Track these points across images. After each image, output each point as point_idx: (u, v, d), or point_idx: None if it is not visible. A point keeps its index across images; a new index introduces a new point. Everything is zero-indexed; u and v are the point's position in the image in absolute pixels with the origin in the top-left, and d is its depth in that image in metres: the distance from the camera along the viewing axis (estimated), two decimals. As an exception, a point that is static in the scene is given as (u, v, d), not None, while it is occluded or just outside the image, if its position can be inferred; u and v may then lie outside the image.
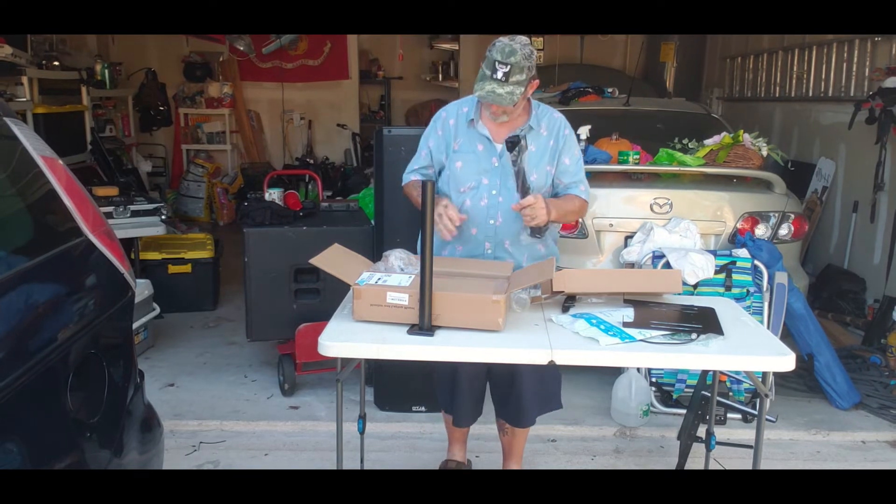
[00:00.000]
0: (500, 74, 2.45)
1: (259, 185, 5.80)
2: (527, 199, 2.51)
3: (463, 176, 2.67)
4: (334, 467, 2.44)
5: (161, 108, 8.50)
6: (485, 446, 3.42)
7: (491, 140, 2.66)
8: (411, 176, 2.79)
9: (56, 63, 6.18)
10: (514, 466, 3.00)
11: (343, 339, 2.15)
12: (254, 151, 9.12)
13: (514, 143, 2.50)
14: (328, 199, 6.01)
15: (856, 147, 5.30)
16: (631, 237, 3.92)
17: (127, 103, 7.98)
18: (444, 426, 3.55)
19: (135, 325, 3.96)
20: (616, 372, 3.69)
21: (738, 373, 3.50)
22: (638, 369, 3.61)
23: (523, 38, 2.52)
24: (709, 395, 2.95)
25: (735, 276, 3.68)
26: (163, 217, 4.93)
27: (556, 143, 2.69)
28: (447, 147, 2.71)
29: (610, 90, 5.60)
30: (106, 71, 7.19)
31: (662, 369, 3.70)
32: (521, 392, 2.78)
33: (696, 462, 3.10)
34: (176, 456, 3.17)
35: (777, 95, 6.87)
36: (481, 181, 2.66)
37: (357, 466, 2.95)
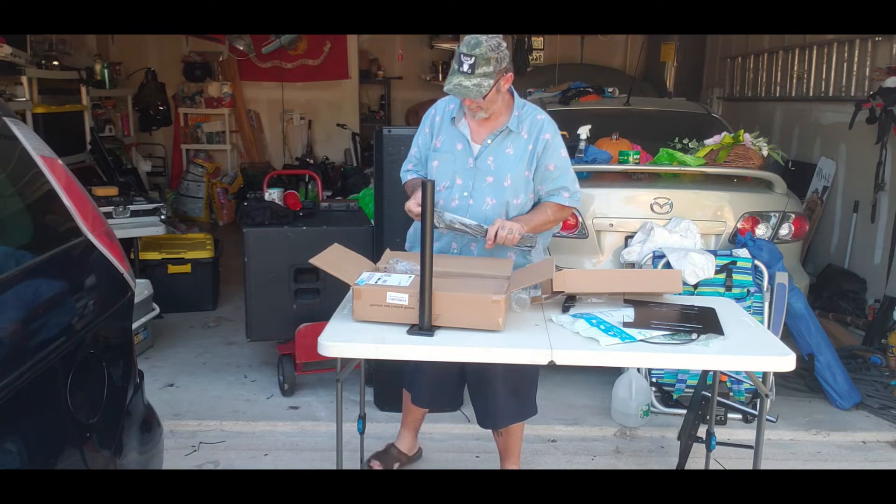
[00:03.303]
0: (465, 67, 2.45)
1: (259, 185, 5.79)
2: (490, 230, 2.49)
3: (438, 175, 2.66)
4: (334, 467, 2.43)
5: (161, 108, 8.50)
6: (485, 446, 3.42)
7: (469, 141, 2.64)
8: (408, 175, 2.81)
9: (55, 63, 6.18)
10: (512, 468, 2.99)
11: (343, 339, 2.15)
12: (254, 151, 9.12)
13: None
14: (328, 199, 6.01)
15: (856, 147, 5.29)
16: (631, 237, 3.92)
17: (126, 103, 7.98)
18: (443, 426, 3.56)
19: (134, 325, 3.96)
20: (616, 372, 3.68)
21: (738, 373, 3.50)
22: (638, 369, 3.61)
23: (495, 37, 2.52)
24: (709, 395, 2.95)
25: (735, 276, 3.68)
26: (162, 217, 4.93)
27: (534, 147, 2.63)
28: (428, 144, 2.72)
29: (610, 90, 5.60)
30: (105, 71, 7.19)
31: (663, 369, 3.70)
32: (491, 394, 2.75)
33: (696, 462, 3.10)
34: (176, 456, 3.17)
35: (777, 95, 6.87)
36: (455, 181, 2.64)
37: (357, 466, 2.95)
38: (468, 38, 2.48)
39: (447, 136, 2.68)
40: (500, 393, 2.72)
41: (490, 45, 2.46)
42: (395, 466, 3.09)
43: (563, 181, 2.67)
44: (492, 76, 2.46)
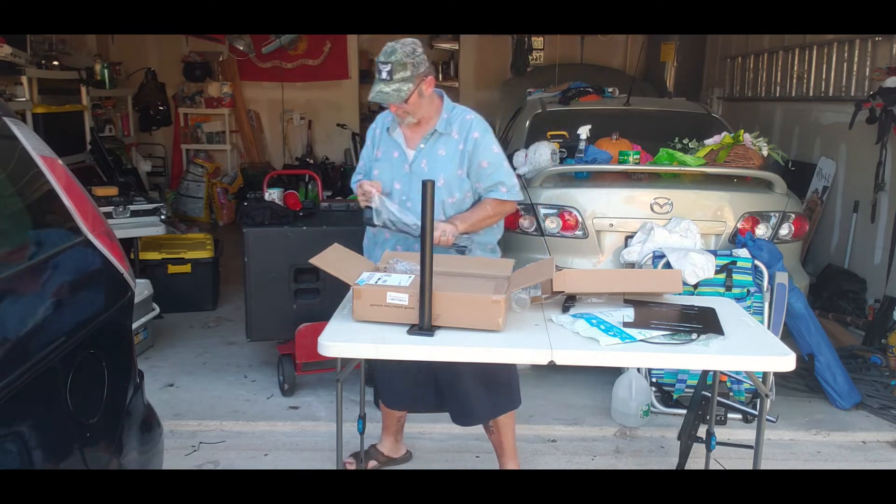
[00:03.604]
0: (384, 74, 2.57)
1: (259, 185, 5.79)
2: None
3: (381, 182, 2.76)
4: (334, 467, 2.43)
5: (160, 108, 8.51)
6: (485, 446, 3.41)
7: (404, 147, 2.76)
8: (355, 186, 2.89)
9: (55, 63, 6.18)
10: (510, 465, 2.99)
11: (343, 339, 2.15)
12: (254, 151, 9.12)
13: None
14: (328, 199, 6.00)
15: (856, 147, 5.29)
16: (631, 237, 3.91)
17: (126, 103, 7.98)
18: (443, 426, 3.55)
19: (134, 325, 3.96)
20: (616, 372, 3.68)
21: (738, 373, 3.50)
22: (638, 369, 3.61)
23: (408, 39, 2.62)
24: (709, 395, 2.95)
25: (735, 276, 3.68)
26: (162, 217, 4.93)
27: (465, 146, 2.71)
28: (371, 155, 2.86)
29: (610, 90, 5.60)
30: (105, 71, 7.20)
31: (663, 369, 3.70)
32: (461, 392, 2.75)
33: (696, 462, 3.10)
34: (176, 456, 3.17)
35: (777, 95, 6.87)
36: (394, 187, 2.74)
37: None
38: (385, 47, 2.61)
39: (385, 146, 2.81)
40: (470, 389, 2.73)
41: (405, 52, 2.58)
42: (370, 466, 3.09)
43: (499, 176, 2.73)
44: (410, 80, 2.58)
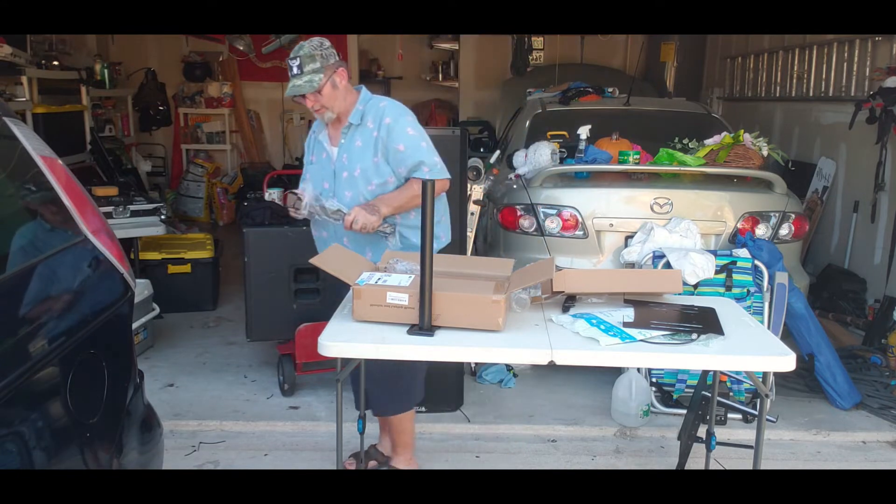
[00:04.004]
0: (294, 69, 2.65)
1: (259, 185, 5.79)
2: (346, 219, 2.65)
3: (314, 184, 2.82)
4: (334, 467, 2.43)
5: (160, 108, 8.51)
6: (485, 446, 3.42)
7: (327, 146, 2.83)
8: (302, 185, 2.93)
9: (55, 63, 6.18)
10: (400, 464, 3.02)
11: (343, 339, 2.15)
12: (254, 151, 9.12)
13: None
14: (328, 198, 5.99)
15: (856, 147, 5.29)
16: (631, 237, 3.91)
17: (126, 103, 7.98)
18: (443, 426, 3.56)
19: (134, 326, 3.96)
20: (616, 372, 3.68)
21: (738, 373, 3.50)
22: (638, 369, 3.60)
23: (315, 37, 2.71)
24: (709, 395, 2.95)
25: (735, 276, 3.67)
26: (162, 217, 4.93)
27: (379, 133, 2.73)
28: (310, 162, 2.92)
29: (610, 90, 5.60)
30: (105, 71, 7.20)
31: (663, 369, 3.69)
32: (367, 383, 2.84)
33: (696, 462, 3.10)
34: (176, 456, 3.17)
35: (777, 95, 6.87)
36: (323, 186, 2.80)
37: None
38: (295, 48, 2.70)
39: (316, 150, 2.89)
40: (371, 383, 2.83)
41: (312, 45, 2.67)
42: (370, 466, 3.09)
43: (418, 156, 2.72)
44: (321, 71, 2.64)
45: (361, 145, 2.75)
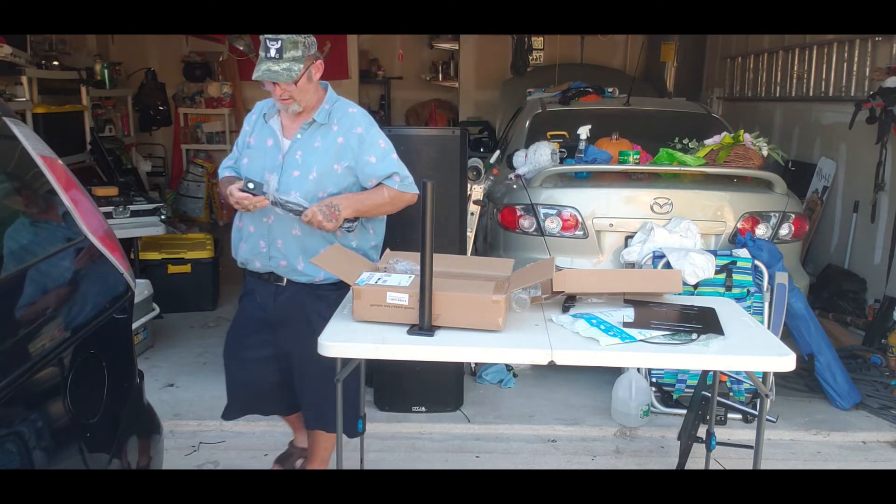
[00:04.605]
0: (273, 52, 2.41)
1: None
2: (303, 217, 2.45)
3: (248, 172, 2.59)
4: (334, 467, 2.43)
5: (160, 108, 8.50)
6: (485, 447, 3.42)
7: (280, 136, 2.60)
8: (224, 172, 2.74)
9: (55, 63, 6.17)
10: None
11: (343, 339, 2.15)
12: (254, 151, 9.10)
13: (245, 186, 2.47)
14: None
15: (856, 147, 5.29)
16: (631, 237, 3.91)
17: (126, 103, 7.97)
18: (443, 426, 3.55)
19: (134, 326, 3.96)
20: (616, 372, 3.68)
21: (738, 373, 3.50)
22: (638, 369, 3.61)
23: None
24: (709, 395, 2.95)
25: (735, 276, 3.68)
26: (162, 217, 4.93)
27: (346, 140, 2.56)
28: (246, 143, 2.69)
29: (610, 90, 5.60)
30: (105, 71, 7.19)
31: (663, 369, 3.70)
32: (301, 395, 2.76)
33: (696, 462, 3.10)
34: (176, 456, 3.17)
35: (777, 95, 6.87)
36: (264, 178, 2.52)
37: (357, 466, 2.95)
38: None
39: (260, 134, 2.65)
40: (325, 391, 2.61)
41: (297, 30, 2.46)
42: (298, 464, 3.06)
43: (390, 167, 2.58)
44: (301, 60, 2.44)
45: (321, 147, 2.56)
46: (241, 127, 2.76)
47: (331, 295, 2.57)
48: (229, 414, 2.90)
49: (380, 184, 2.59)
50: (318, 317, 2.47)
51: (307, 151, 2.57)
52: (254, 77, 2.46)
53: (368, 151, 2.57)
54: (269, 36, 2.43)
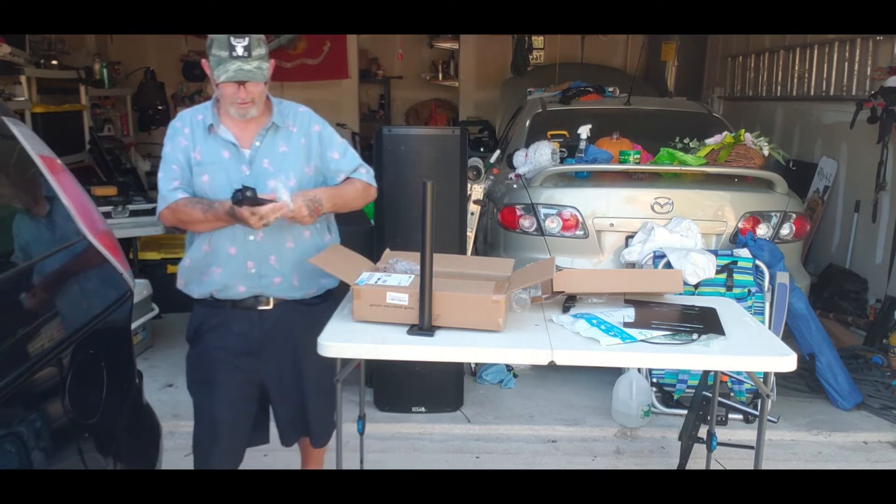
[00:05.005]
0: (240, 50, 2.21)
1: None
2: (274, 206, 2.16)
3: (212, 191, 2.32)
4: (334, 467, 2.43)
5: (160, 108, 8.50)
6: (485, 447, 3.42)
7: (237, 145, 2.34)
8: (177, 194, 2.33)
9: (54, 62, 6.18)
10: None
11: (343, 339, 2.15)
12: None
13: (242, 196, 2.13)
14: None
15: (857, 146, 5.29)
16: (632, 237, 3.91)
17: (125, 103, 7.98)
18: (443, 426, 3.55)
19: (133, 326, 3.96)
20: (617, 372, 3.68)
21: (739, 373, 3.49)
22: (639, 370, 3.60)
23: None
24: (710, 395, 2.95)
25: (736, 276, 3.67)
26: (162, 217, 4.92)
27: (308, 140, 2.41)
28: (189, 160, 2.36)
29: (611, 89, 5.60)
30: (104, 70, 7.19)
31: (663, 370, 3.69)
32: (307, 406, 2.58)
33: (697, 462, 3.10)
34: (175, 456, 3.15)
35: (778, 95, 6.86)
36: (267, 186, 2.29)
37: (357, 466, 2.94)
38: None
39: (207, 147, 2.35)
40: (318, 399, 2.57)
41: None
42: None
43: (355, 160, 2.49)
44: (266, 59, 2.30)
45: (288, 151, 2.38)
46: (167, 143, 2.40)
47: (317, 308, 2.44)
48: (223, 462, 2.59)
49: (348, 178, 2.47)
50: (307, 335, 2.27)
51: (275, 158, 2.36)
52: (224, 79, 2.22)
53: (330, 148, 2.46)
54: (234, 35, 2.23)
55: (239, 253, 2.35)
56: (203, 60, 2.32)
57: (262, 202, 2.14)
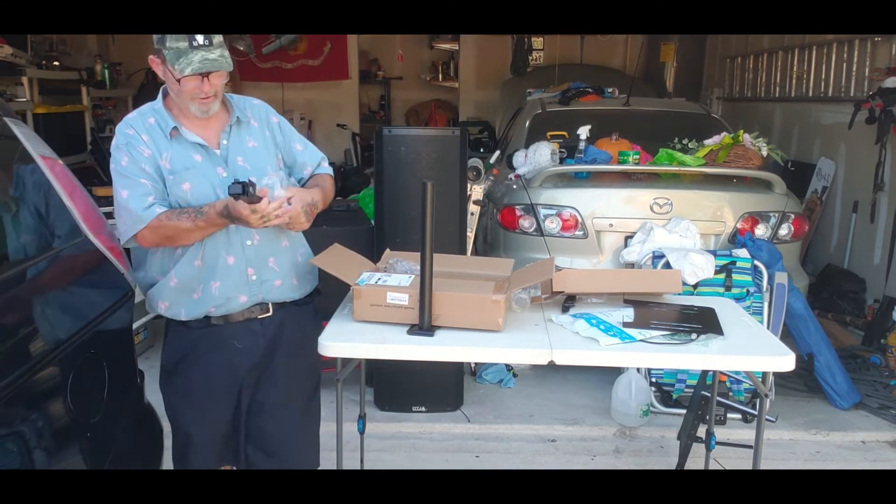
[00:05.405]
0: (200, 40, 2.02)
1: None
2: (279, 202, 1.99)
3: (195, 200, 2.09)
4: (334, 467, 2.43)
5: (161, 108, 8.49)
6: (485, 446, 3.42)
7: (206, 146, 2.13)
8: (155, 210, 2.03)
9: (56, 63, 6.18)
10: None
11: (343, 339, 2.15)
12: (253, 151, 9.11)
13: (242, 188, 1.90)
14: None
15: (856, 147, 5.30)
16: (631, 237, 3.92)
17: (127, 103, 7.96)
18: (443, 426, 3.55)
19: (135, 325, 3.95)
20: (616, 372, 3.68)
21: (737, 373, 3.50)
22: (638, 369, 3.61)
23: None
24: (709, 395, 2.95)
25: (735, 277, 3.68)
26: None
27: (271, 133, 2.28)
28: (158, 169, 2.09)
29: (610, 90, 5.61)
30: (106, 71, 7.18)
31: (662, 369, 3.70)
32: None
33: (696, 462, 3.10)
34: (176, 456, 3.16)
35: (777, 95, 6.87)
36: (217, 195, 2.10)
37: (357, 466, 2.95)
38: None
39: (174, 153, 2.11)
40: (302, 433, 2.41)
41: None
42: None
43: (316, 153, 2.40)
44: (225, 47, 2.09)
45: (259, 146, 2.22)
46: (122, 156, 2.10)
47: (308, 308, 2.35)
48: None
49: (314, 173, 2.35)
50: (308, 336, 2.22)
51: (247, 154, 2.17)
52: (189, 71, 2.01)
53: (291, 139, 2.33)
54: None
55: (238, 262, 2.15)
56: (151, 57, 2.09)
57: (258, 198, 1.93)
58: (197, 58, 2.02)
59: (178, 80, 2.05)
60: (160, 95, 2.18)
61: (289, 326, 2.29)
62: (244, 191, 1.89)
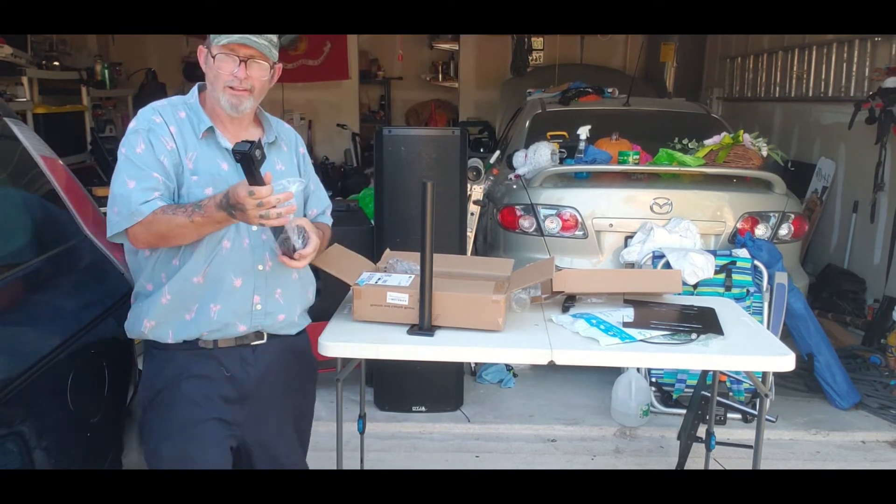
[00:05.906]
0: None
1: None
2: (286, 193, 1.71)
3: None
4: (334, 467, 2.43)
5: (161, 109, 8.49)
6: (485, 446, 3.42)
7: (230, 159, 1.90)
8: (155, 205, 1.82)
9: (56, 63, 6.18)
10: None
11: (343, 339, 2.15)
12: (253, 151, 9.11)
13: (250, 148, 1.61)
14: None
15: (856, 147, 5.30)
16: (631, 237, 3.92)
17: (127, 103, 7.97)
18: (443, 425, 3.55)
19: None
20: (616, 372, 3.69)
21: (737, 373, 3.50)
22: (638, 369, 3.61)
23: None
24: (709, 395, 2.95)
25: (735, 276, 3.68)
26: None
27: (298, 162, 2.10)
28: (177, 167, 1.88)
29: (610, 90, 5.61)
30: (106, 71, 7.19)
31: (662, 369, 3.70)
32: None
33: (696, 462, 3.10)
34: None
35: (777, 95, 6.87)
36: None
37: (357, 466, 2.95)
38: None
39: (201, 154, 1.89)
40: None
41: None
42: None
43: (325, 198, 2.21)
44: (277, 47, 1.93)
45: (286, 171, 2.01)
46: (139, 142, 1.89)
47: (301, 339, 2.15)
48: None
49: (317, 219, 2.14)
50: (301, 375, 2.16)
51: (275, 176, 1.77)
52: (225, 41, 1.84)
53: (309, 176, 2.13)
54: None
55: (245, 286, 1.91)
56: (200, 47, 1.96)
57: (261, 180, 1.65)
58: (238, 34, 1.86)
59: (214, 58, 1.86)
60: (195, 90, 1.97)
61: (283, 362, 2.06)
62: (250, 150, 1.60)
